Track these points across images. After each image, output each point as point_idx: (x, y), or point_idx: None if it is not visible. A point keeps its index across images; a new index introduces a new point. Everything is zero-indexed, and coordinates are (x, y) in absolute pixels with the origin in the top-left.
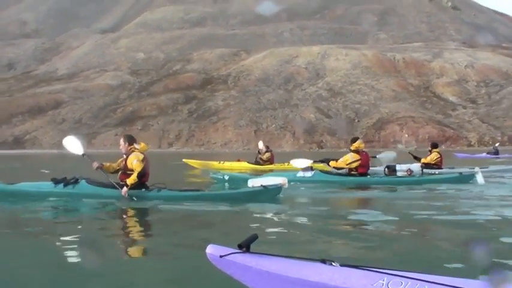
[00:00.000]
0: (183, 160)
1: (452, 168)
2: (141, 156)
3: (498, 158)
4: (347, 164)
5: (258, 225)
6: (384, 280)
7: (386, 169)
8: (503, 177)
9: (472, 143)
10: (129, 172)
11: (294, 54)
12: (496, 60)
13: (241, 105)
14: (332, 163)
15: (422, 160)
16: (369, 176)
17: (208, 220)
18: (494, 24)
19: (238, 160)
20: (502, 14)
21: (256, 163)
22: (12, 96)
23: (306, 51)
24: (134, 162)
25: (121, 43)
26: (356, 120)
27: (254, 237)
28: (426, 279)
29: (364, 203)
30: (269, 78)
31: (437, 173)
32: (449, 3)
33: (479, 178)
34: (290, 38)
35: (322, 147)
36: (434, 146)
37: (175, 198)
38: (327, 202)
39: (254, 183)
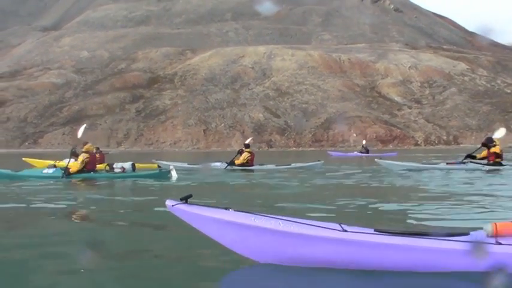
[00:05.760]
0: (23, 159)
1: (260, 164)
2: None
3: (368, 156)
4: (81, 162)
5: None
6: (253, 218)
7: (107, 166)
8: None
9: (418, 142)
10: None
11: (240, 53)
12: (438, 62)
13: (189, 104)
14: (71, 163)
15: (236, 161)
16: (92, 173)
17: None
18: (435, 27)
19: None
20: (442, 17)
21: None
22: None
23: (252, 51)
24: None
25: (64, 41)
26: (304, 120)
27: (190, 196)
28: (282, 218)
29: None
30: (216, 78)
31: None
32: (392, 6)
33: (173, 174)
34: (235, 38)
35: (271, 147)
36: (247, 146)
37: None
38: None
39: None
